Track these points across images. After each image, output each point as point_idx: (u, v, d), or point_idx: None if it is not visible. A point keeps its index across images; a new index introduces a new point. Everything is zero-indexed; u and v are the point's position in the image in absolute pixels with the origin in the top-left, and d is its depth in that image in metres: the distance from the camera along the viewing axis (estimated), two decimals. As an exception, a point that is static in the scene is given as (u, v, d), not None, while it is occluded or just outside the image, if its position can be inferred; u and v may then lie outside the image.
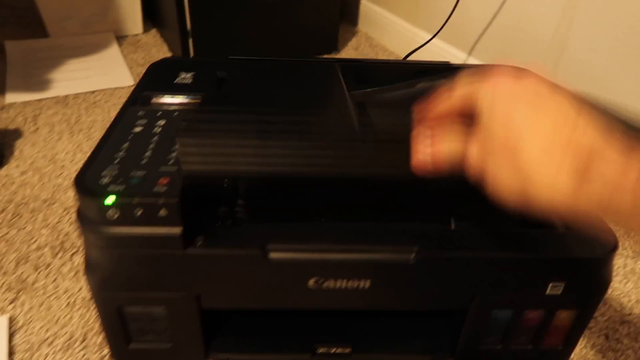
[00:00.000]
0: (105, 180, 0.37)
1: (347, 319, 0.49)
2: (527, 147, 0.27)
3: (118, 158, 0.39)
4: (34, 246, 0.67)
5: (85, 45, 1.27)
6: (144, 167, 0.38)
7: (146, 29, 1.40)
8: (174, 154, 0.40)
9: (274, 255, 0.38)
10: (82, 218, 0.37)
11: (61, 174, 0.82)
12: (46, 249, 0.67)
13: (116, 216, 0.36)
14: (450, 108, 0.33)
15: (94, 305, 0.42)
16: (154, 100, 0.49)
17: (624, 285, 0.64)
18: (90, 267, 0.39)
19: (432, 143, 0.34)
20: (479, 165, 0.31)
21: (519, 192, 0.28)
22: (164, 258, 0.38)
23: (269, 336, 0.48)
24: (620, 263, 0.68)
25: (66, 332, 0.56)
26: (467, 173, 0.32)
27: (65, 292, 0.61)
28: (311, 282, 0.39)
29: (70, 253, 0.66)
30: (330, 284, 0.40)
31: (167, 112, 0.46)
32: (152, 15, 1.42)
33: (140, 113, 0.46)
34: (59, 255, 0.66)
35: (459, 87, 0.33)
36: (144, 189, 0.36)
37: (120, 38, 1.34)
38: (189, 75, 0.53)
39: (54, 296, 0.60)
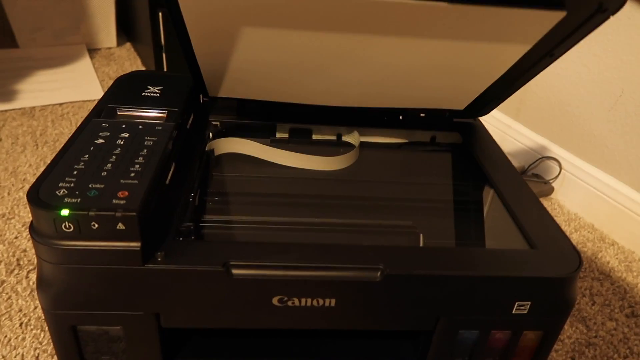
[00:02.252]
0: (61, 192, 0.35)
1: (312, 340, 0.48)
2: None
3: (76, 170, 0.38)
4: (-12, 262, 0.64)
5: (56, 57, 1.25)
6: (103, 180, 0.37)
7: (120, 42, 1.39)
8: (136, 167, 0.39)
9: (236, 272, 0.37)
10: (35, 232, 0.35)
11: (22, 187, 0.79)
12: (1, 266, 0.64)
13: (71, 230, 0.34)
14: None
15: (46, 325, 0.40)
16: (120, 112, 0.48)
17: (590, 307, 0.65)
18: (42, 284, 0.37)
19: None
20: None
21: None
22: (122, 274, 0.36)
23: (231, 357, 0.46)
24: (587, 285, 0.68)
25: (17, 354, 0.53)
26: None
27: (19, 312, 0.58)
28: (275, 300, 0.38)
29: (27, 270, 0.63)
30: (294, 302, 0.39)
31: (132, 125, 0.44)
32: (126, 29, 1.41)
33: (104, 125, 0.44)
34: (15, 272, 0.63)
35: None
36: (101, 202, 0.35)
37: (93, 51, 1.32)
38: (156, 89, 0.52)
39: (6, 316, 0.57)
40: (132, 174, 0.38)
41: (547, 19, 0.39)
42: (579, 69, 0.86)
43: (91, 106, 1.05)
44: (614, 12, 0.39)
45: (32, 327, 0.56)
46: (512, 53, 0.45)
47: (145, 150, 0.41)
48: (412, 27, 0.41)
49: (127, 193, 0.36)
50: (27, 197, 0.35)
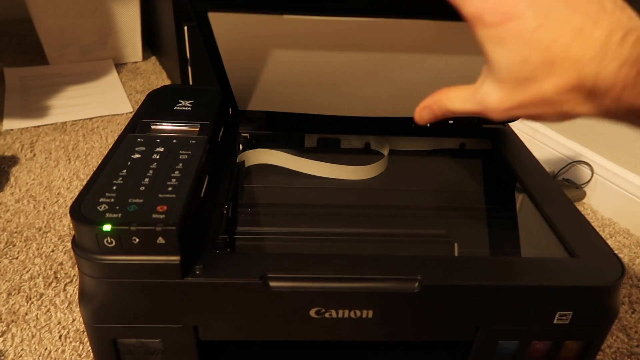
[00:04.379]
0: (102, 208, 0.36)
1: (349, 351, 0.48)
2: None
3: (115, 185, 0.38)
4: (26, 276, 0.65)
5: (85, 73, 1.28)
6: (142, 195, 0.37)
7: (146, 56, 1.41)
8: (173, 181, 0.39)
9: (274, 284, 0.37)
10: (78, 247, 0.36)
11: (57, 201, 0.81)
12: (39, 279, 0.65)
13: (112, 245, 0.35)
14: None
15: (87, 338, 0.41)
16: (154, 127, 0.48)
17: (630, 315, 0.63)
18: (84, 298, 0.38)
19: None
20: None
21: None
22: (161, 287, 0.37)
23: (268, 369, 0.46)
24: (625, 292, 0.66)
25: (57, 366, 0.54)
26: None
27: (57, 324, 0.59)
28: (312, 312, 0.38)
29: (64, 283, 0.64)
30: (332, 314, 0.39)
31: (166, 139, 0.45)
32: (151, 43, 1.44)
33: (139, 140, 0.45)
34: (52, 285, 0.64)
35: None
36: (141, 216, 0.35)
37: (119, 65, 1.35)
38: (187, 102, 0.52)
39: (45, 328, 0.58)
40: (170, 188, 0.39)
41: None
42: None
43: (120, 120, 1.08)
44: None
45: (70, 339, 0.57)
46: None
47: (180, 164, 0.42)
48: (437, 43, 0.41)
49: (165, 207, 0.36)
50: (70, 213, 0.36)
